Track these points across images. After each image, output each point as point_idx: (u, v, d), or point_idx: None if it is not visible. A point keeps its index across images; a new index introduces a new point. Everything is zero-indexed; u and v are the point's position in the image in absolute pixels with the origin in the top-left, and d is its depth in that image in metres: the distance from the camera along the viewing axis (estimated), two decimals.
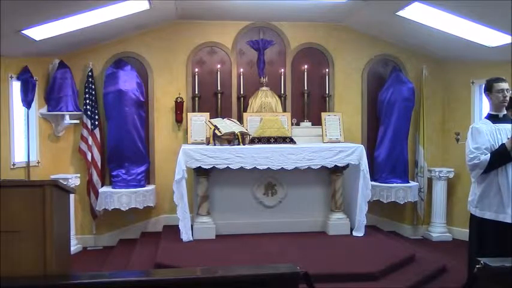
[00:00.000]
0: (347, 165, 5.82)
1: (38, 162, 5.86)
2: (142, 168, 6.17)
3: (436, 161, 6.71)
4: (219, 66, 6.36)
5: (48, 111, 5.96)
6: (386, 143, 6.40)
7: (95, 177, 6.07)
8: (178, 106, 6.32)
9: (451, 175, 6.45)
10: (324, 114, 6.36)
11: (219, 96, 6.34)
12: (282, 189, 5.90)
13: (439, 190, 6.48)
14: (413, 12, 5.35)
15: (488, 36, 5.39)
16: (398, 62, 6.70)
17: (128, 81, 6.08)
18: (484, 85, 4.10)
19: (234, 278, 2.80)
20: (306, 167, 5.65)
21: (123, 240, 6.24)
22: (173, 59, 6.40)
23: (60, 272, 2.93)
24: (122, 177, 6.03)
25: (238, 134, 5.67)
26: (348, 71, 6.66)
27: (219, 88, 6.34)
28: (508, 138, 3.80)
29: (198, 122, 6.12)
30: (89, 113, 6.04)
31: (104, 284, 2.72)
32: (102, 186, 6.13)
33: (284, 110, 6.36)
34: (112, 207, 5.92)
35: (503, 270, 2.61)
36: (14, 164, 5.39)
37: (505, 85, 3.93)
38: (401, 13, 5.41)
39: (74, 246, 5.82)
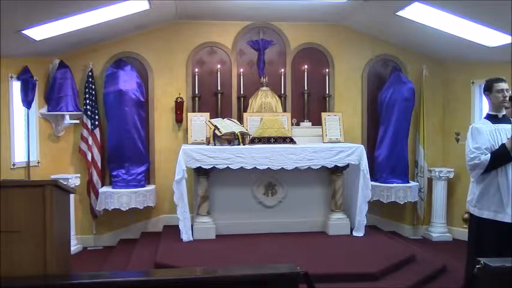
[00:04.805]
0: (347, 165, 5.82)
1: (38, 162, 5.86)
2: (143, 168, 6.17)
3: (436, 161, 6.71)
4: (219, 66, 6.35)
5: (48, 111, 5.96)
6: (387, 143, 6.40)
7: (95, 177, 6.07)
8: (178, 106, 6.32)
9: (451, 175, 6.45)
10: (324, 114, 6.36)
11: (219, 96, 6.34)
12: (282, 189, 5.90)
13: (439, 190, 6.48)
14: (413, 12, 5.34)
15: (488, 36, 5.39)
16: (398, 62, 6.70)
17: (128, 81, 6.07)
18: (483, 85, 4.09)
19: (234, 278, 2.81)
20: (306, 167, 5.65)
21: (123, 240, 6.24)
22: (173, 59, 6.40)
23: (60, 272, 2.94)
24: (122, 177, 6.03)
25: (238, 134, 5.67)
26: (348, 71, 6.66)
27: (219, 88, 6.34)
28: (508, 139, 3.80)
29: (198, 122, 6.12)
30: (89, 113, 6.04)
31: (104, 284, 2.73)
32: (102, 186, 6.13)
33: (284, 110, 6.36)
34: (112, 207, 5.92)
35: (503, 270, 2.61)
36: (14, 164, 5.38)
37: (504, 85, 3.93)
38: (401, 13, 5.41)
39: (74, 246, 5.82)
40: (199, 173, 5.62)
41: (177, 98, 6.32)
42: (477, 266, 2.66)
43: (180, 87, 6.40)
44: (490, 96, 3.99)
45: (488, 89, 3.99)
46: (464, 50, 5.97)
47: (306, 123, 6.42)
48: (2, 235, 2.80)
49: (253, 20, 6.46)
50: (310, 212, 5.93)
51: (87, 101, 6.03)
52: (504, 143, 3.81)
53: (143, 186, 6.13)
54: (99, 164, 6.10)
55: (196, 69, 6.35)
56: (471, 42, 5.61)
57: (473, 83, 6.34)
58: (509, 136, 3.82)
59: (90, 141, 6.04)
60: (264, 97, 6.23)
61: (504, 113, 4.01)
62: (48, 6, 4.43)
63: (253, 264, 4.43)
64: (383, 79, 6.64)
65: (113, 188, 6.01)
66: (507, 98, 3.94)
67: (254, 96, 6.30)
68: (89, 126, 6.05)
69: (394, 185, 6.30)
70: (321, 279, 3.73)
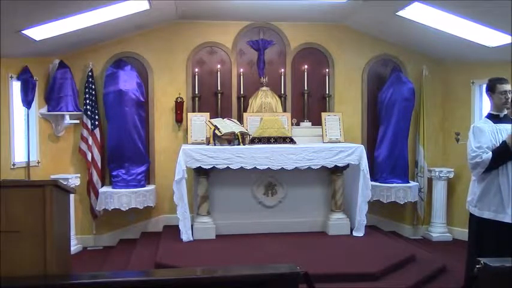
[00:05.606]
0: (347, 165, 5.82)
1: (38, 162, 5.85)
2: (143, 168, 6.17)
3: (436, 161, 6.71)
4: (219, 66, 6.35)
5: (48, 111, 5.96)
6: (387, 143, 6.40)
7: (95, 177, 6.07)
8: (178, 106, 6.32)
9: (451, 175, 6.45)
10: (324, 114, 6.36)
11: (219, 96, 6.34)
12: (282, 189, 5.90)
13: (439, 190, 6.48)
14: (413, 12, 5.35)
15: (488, 36, 5.39)
16: (398, 62, 6.70)
17: (128, 81, 6.07)
18: (486, 85, 4.08)
19: (234, 278, 2.81)
20: (306, 167, 5.65)
21: (123, 240, 6.24)
22: (173, 59, 6.40)
23: (60, 272, 2.94)
24: (122, 177, 6.02)
25: (238, 134, 5.67)
26: (348, 71, 6.66)
27: (219, 88, 6.34)
28: (509, 135, 3.80)
29: (198, 122, 6.12)
30: (89, 113, 6.04)
31: (104, 284, 2.72)
32: (102, 186, 6.13)
33: (284, 110, 6.36)
34: (112, 207, 5.92)
35: (503, 270, 2.61)
36: (14, 164, 5.38)
37: (508, 87, 3.93)
38: (401, 13, 5.41)
39: (74, 246, 5.82)
40: (199, 173, 5.62)
41: (177, 98, 6.32)
42: (477, 266, 2.66)
43: (180, 87, 6.40)
44: (493, 97, 3.99)
45: (491, 89, 3.99)
46: (464, 50, 5.97)
47: (306, 123, 6.42)
48: (2, 235, 2.80)
49: (253, 20, 6.46)
50: (310, 212, 5.93)
51: (87, 101, 6.03)
52: (505, 140, 3.81)
53: (143, 186, 6.13)
54: (99, 164, 6.10)
55: (196, 69, 6.35)
56: (471, 42, 5.61)
57: (473, 83, 6.34)
58: None
59: (90, 141, 6.04)
60: (264, 97, 6.23)
61: (505, 112, 4.01)
62: (48, 6, 4.43)
63: (253, 264, 4.43)
64: (383, 79, 6.64)
65: (113, 188, 6.01)
66: (509, 100, 3.94)
67: (254, 96, 6.30)
68: (89, 126, 6.05)
69: (394, 185, 6.30)
70: (321, 279, 3.73)
